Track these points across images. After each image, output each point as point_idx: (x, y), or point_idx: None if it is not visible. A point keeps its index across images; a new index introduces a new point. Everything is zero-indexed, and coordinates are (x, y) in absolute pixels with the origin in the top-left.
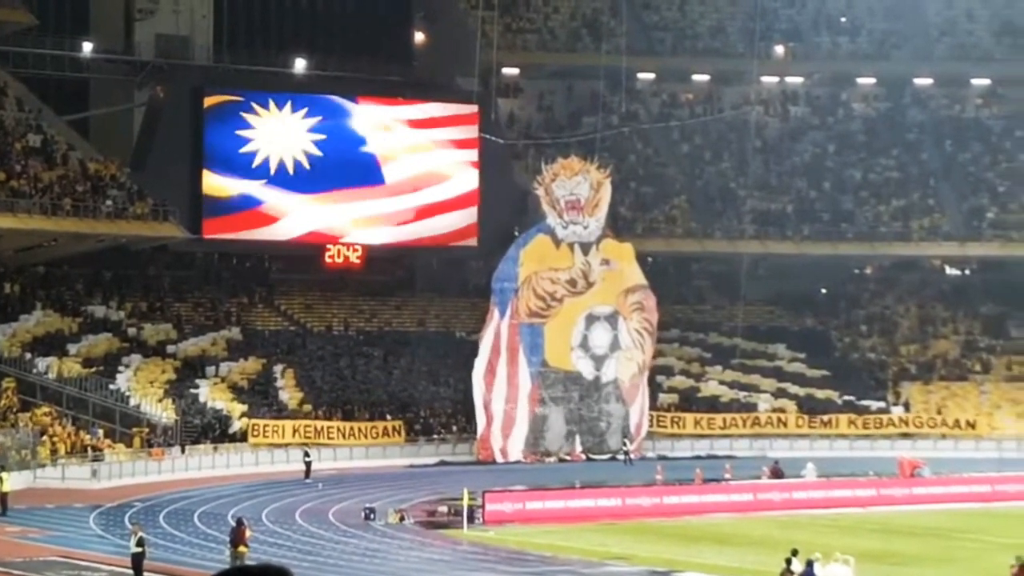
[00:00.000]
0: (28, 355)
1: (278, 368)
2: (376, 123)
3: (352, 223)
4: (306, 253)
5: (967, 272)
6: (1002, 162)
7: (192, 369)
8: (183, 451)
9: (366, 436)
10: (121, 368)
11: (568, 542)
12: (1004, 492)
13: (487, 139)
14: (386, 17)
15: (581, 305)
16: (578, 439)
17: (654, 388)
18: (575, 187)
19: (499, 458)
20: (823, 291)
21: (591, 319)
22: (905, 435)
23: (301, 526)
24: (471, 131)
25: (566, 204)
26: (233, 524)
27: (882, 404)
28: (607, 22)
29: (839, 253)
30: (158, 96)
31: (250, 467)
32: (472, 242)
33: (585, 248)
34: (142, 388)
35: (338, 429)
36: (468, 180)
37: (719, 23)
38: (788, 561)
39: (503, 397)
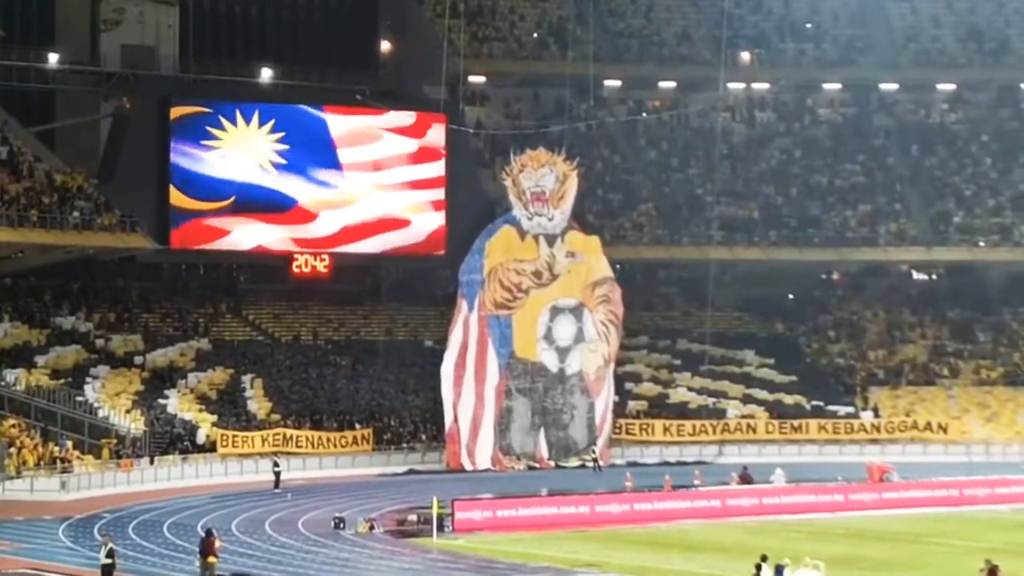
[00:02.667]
0: None
1: (247, 378)
2: (343, 133)
3: (320, 232)
4: (273, 263)
5: (934, 277)
6: (968, 167)
7: (160, 380)
8: (152, 462)
9: (335, 445)
10: (89, 379)
11: (538, 550)
12: (973, 496)
13: (456, 141)
14: (352, 26)
15: (546, 297)
16: (543, 432)
17: (623, 395)
18: (541, 179)
19: (466, 461)
20: (791, 297)
21: (555, 311)
22: (874, 440)
23: (271, 536)
24: (438, 140)
25: (532, 196)
26: (202, 535)
27: (851, 409)
28: (573, 30)
29: (806, 259)
30: (124, 107)
31: (219, 477)
32: (440, 251)
33: (550, 240)
34: (110, 399)
35: (307, 438)
36: (435, 189)
37: (685, 30)
38: (758, 567)
39: (472, 390)
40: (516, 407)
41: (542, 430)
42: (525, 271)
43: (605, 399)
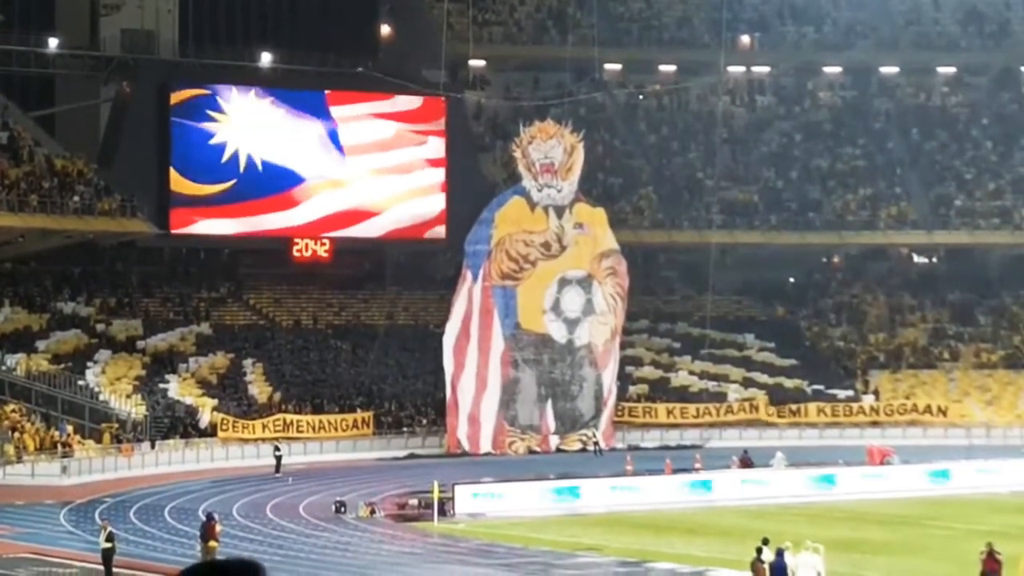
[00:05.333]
0: None
1: (247, 363)
2: (343, 116)
3: (319, 216)
4: (274, 247)
5: (934, 260)
6: (968, 150)
7: (161, 365)
8: (153, 447)
9: (336, 429)
10: (90, 364)
11: (539, 533)
12: (973, 479)
13: (456, 125)
14: (352, 11)
15: (554, 269)
16: (550, 404)
17: (624, 379)
18: (550, 150)
19: (463, 437)
20: (791, 281)
21: (563, 283)
22: (874, 423)
23: (272, 520)
24: (438, 124)
25: (541, 167)
26: (203, 519)
27: (851, 393)
28: (573, 14)
29: (807, 242)
30: (124, 92)
31: (220, 462)
32: (440, 234)
33: (559, 211)
34: (111, 384)
35: (308, 423)
36: (436, 173)
37: (685, 14)
38: (758, 550)
39: (475, 361)
40: (522, 379)
41: (549, 401)
42: (534, 242)
43: (611, 371)
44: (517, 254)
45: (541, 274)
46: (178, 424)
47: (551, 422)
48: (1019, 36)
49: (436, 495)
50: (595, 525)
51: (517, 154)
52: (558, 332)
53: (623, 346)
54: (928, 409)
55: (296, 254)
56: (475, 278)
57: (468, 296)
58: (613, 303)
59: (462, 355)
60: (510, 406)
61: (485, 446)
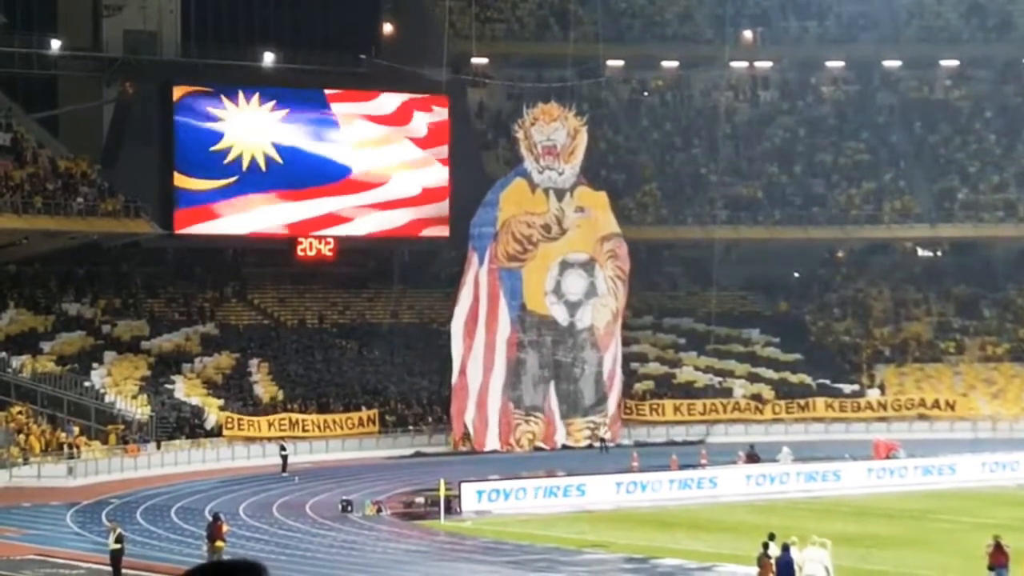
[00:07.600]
0: (2, 354)
1: (253, 362)
2: (345, 115)
3: (323, 215)
4: (278, 247)
5: (939, 254)
6: (972, 143)
7: (166, 365)
8: (159, 447)
9: (342, 428)
10: (95, 365)
11: (545, 531)
12: (979, 473)
13: (458, 123)
14: (353, 9)
15: (555, 251)
16: (552, 386)
17: (629, 375)
18: (552, 132)
19: (470, 421)
20: (796, 275)
21: (565, 266)
22: (881, 418)
23: (278, 520)
24: (441, 121)
25: (543, 149)
26: (210, 519)
27: (856, 387)
28: (575, 10)
29: (811, 237)
30: (127, 92)
31: (226, 462)
32: (444, 233)
33: (559, 194)
34: (117, 385)
35: (313, 422)
36: (438, 171)
37: (687, 9)
38: (765, 545)
39: (483, 343)
40: (526, 360)
41: (552, 383)
42: (535, 224)
43: (613, 355)
44: (521, 235)
45: (543, 256)
46: (184, 424)
47: (555, 405)
48: (1022, 29)
49: (442, 493)
50: (601, 522)
51: (520, 135)
52: (560, 314)
53: (627, 342)
54: (934, 403)
55: (300, 253)
56: (481, 261)
57: (475, 279)
58: (614, 286)
59: (470, 338)
60: (516, 387)
61: (492, 442)
